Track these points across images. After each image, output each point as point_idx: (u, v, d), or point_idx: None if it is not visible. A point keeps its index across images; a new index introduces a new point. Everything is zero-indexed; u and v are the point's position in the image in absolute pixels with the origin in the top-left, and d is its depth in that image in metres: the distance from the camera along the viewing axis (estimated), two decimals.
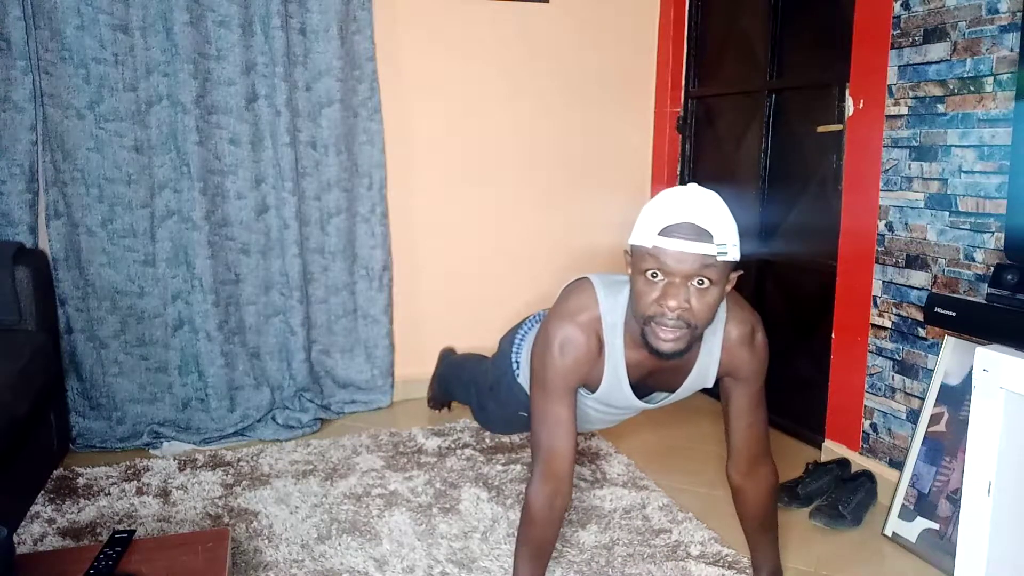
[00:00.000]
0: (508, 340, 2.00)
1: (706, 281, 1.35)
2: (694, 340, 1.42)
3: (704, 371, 1.58)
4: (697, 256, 1.33)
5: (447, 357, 2.71)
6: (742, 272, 1.46)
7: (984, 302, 1.69)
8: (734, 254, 1.36)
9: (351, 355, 2.99)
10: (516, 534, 1.64)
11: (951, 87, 2.03)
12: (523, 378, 1.90)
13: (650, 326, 1.39)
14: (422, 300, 3.11)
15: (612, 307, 1.52)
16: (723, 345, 1.55)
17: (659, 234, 1.33)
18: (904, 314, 2.21)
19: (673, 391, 1.64)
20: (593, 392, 1.62)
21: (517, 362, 1.93)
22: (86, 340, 2.60)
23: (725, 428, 1.66)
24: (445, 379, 2.64)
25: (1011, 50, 1.86)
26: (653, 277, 1.36)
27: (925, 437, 2.06)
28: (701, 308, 1.36)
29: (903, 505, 2.07)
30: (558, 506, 1.56)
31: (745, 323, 1.57)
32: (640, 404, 1.64)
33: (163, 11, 2.53)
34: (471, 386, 2.30)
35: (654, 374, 1.58)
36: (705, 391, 1.68)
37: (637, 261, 1.39)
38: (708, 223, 1.33)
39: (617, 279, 1.56)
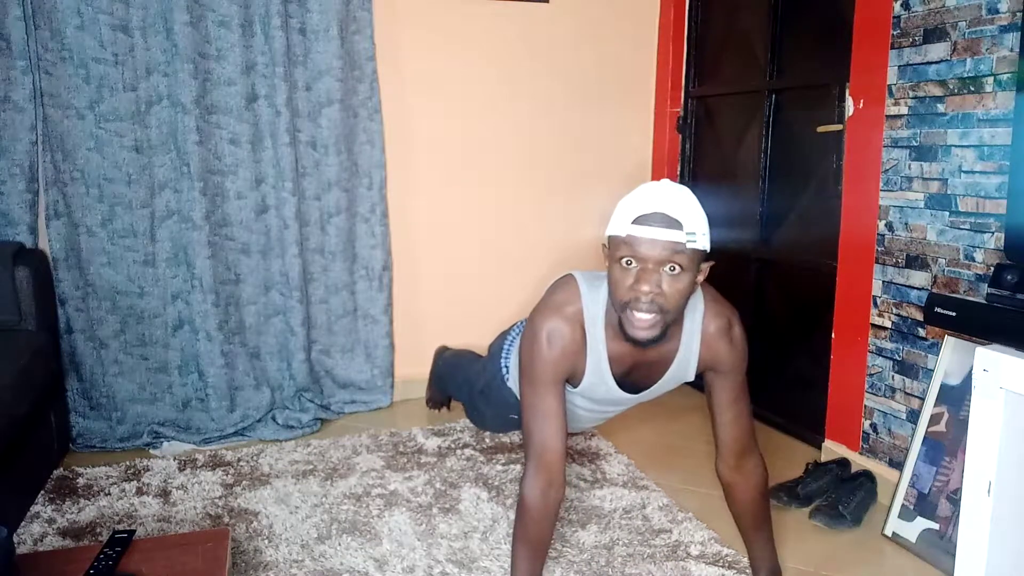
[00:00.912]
0: (497, 346, 2.05)
1: (677, 267, 1.42)
2: (667, 326, 1.47)
3: (684, 364, 1.62)
4: (668, 243, 1.40)
5: (442, 355, 2.72)
6: (714, 263, 1.52)
7: (984, 302, 1.69)
8: (703, 243, 1.44)
9: (351, 355, 2.99)
10: (512, 533, 1.64)
11: (951, 87, 2.03)
12: (512, 382, 1.93)
13: (626, 313, 1.45)
14: (422, 300, 3.11)
15: (594, 299, 1.57)
16: (701, 338, 1.60)
17: (632, 223, 1.41)
18: (904, 314, 2.21)
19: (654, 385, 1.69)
20: (577, 387, 1.65)
21: (506, 367, 1.97)
22: (86, 340, 2.60)
23: (712, 424, 1.69)
24: (441, 377, 2.66)
25: (1011, 50, 1.86)
26: (628, 264, 1.43)
27: (925, 437, 2.06)
28: (672, 293, 1.43)
29: (903, 505, 2.07)
30: (552, 498, 1.57)
31: (721, 316, 1.62)
32: (623, 395, 1.68)
33: (163, 11, 2.53)
34: (464, 386, 2.33)
35: (636, 368, 1.62)
36: (702, 388, 1.70)
37: (613, 251, 1.46)
38: (678, 213, 1.41)
39: (599, 275, 1.61)
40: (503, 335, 2.05)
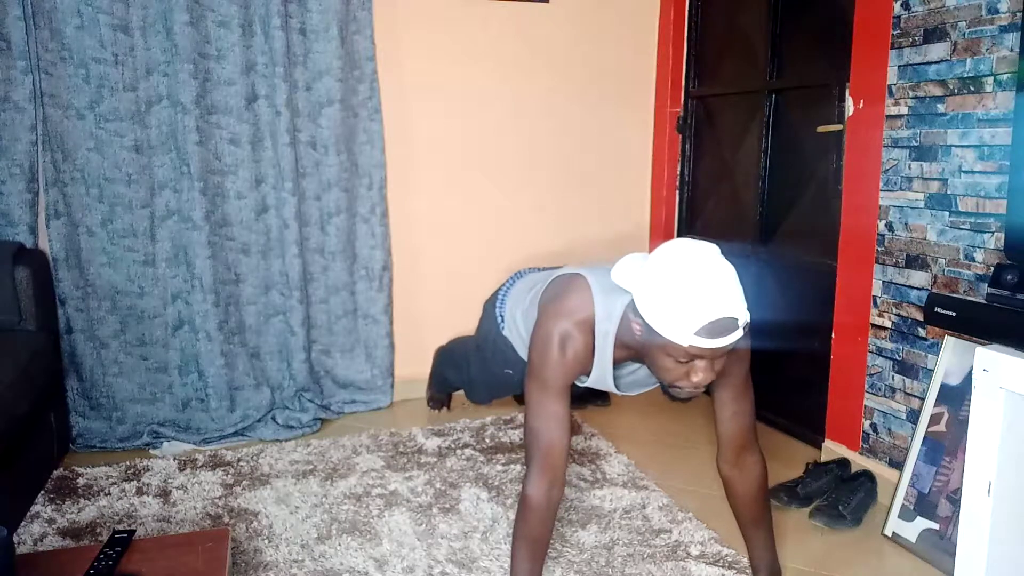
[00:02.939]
0: (491, 301, 2.09)
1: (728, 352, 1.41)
2: None
3: None
4: (729, 345, 1.37)
5: (440, 350, 2.75)
6: None
7: (984, 302, 1.69)
8: None
9: (351, 355, 2.99)
10: (512, 533, 1.64)
11: (951, 87, 2.03)
12: (508, 331, 1.97)
13: (673, 388, 1.46)
14: (422, 300, 3.11)
15: (607, 315, 1.56)
16: None
17: (695, 334, 1.34)
18: (904, 314, 2.21)
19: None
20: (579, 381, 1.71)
21: (501, 316, 2.00)
22: (86, 340, 2.60)
23: (714, 420, 1.70)
24: (441, 364, 2.71)
25: (1011, 50, 1.86)
26: (683, 361, 1.39)
27: (925, 437, 2.06)
28: (719, 368, 1.42)
29: (903, 505, 2.07)
30: (555, 497, 1.59)
31: None
32: (619, 392, 1.74)
33: (163, 11, 2.53)
34: (462, 360, 2.37)
35: (636, 360, 1.66)
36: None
37: (666, 347, 1.38)
38: (735, 310, 1.35)
39: (612, 283, 1.57)
40: (496, 291, 2.09)
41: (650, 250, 1.61)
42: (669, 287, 1.36)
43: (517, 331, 1.91)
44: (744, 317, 1.36)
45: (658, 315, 1.37)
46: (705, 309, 1.33)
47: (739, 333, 1.36)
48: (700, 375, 1.39)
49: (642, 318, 1.41)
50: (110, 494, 2.24)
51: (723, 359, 1.41)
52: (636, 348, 1.52)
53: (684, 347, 1.35)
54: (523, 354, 1.91)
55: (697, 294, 1.34)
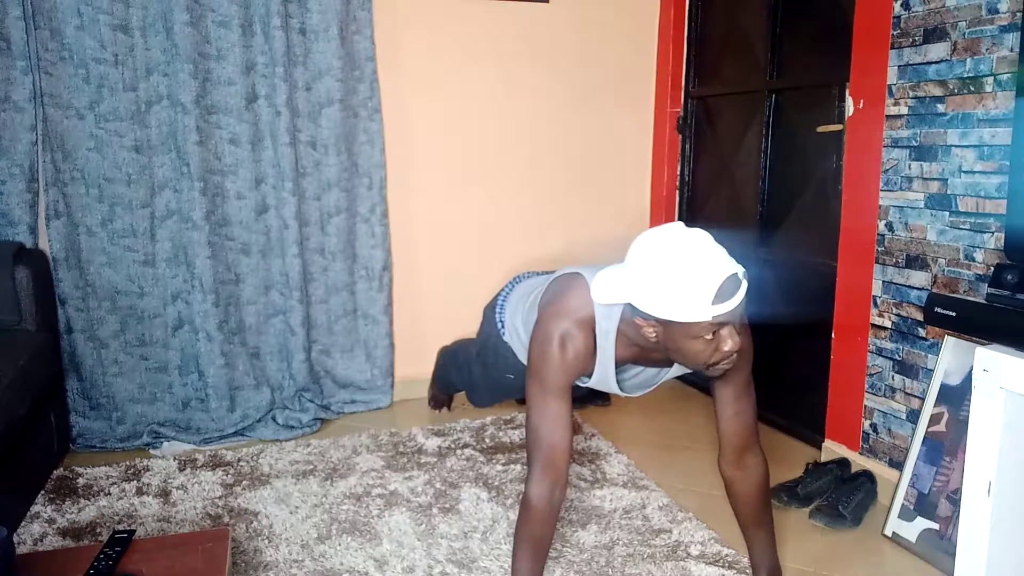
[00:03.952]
0: (491, 306, 2.07)
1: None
2: None
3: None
4: (742, 300, 1.38)
5: (443, 350, 2.75)
6: None
7: (984, 302, 1.70)
8: None
9: (351, 355, 2.99)
10: (514, 533, 1.64)
11: (951, 87, 2.03)
12: (508, 336, 1.96)
13: (708, 368, 1.46)
14: (422, 300, 3.11)
15: (607, 314, 1.56)
16: None
17: (713, 304, 1.35)
18: (904, 314, 2.21)
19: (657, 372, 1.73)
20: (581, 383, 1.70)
21: (501, 321, 1.98)
22: (86, 340, 2.60)
23: (715, 420, 1.70)
24: (444, 366, 2.69)
25: (1011, 50, 1.86)
26: (710, 337, 1.39)
27: (925, 437, 2.06)
28: (742, 330, 1.44)
29: (903, 505, 2.07)
30: (557, 498, 1.59)
31: None
32: (623, 393, 1.73)
33: (163, 11, 2.53)
34: (464, 365, 2.37)
35: (639, 360, 1.65)
36: (702, 388, 1.71)
37: (689, 329, 1.39)
38: (730, 266, 1.37)
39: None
40: (496, 296, 2.08)
41: None
42: (666, 277, 1.37)
43: (517, 336, 1.91)
44: (740, 269, 1.38)
45: (670, 306, 1.37)
46: (709, 278, 1.35)
47: (745, 284, 1.38)
48: (730, 341, 1.39)
49: (654, 318, 1.41)
50: (110, 494, 2.24)
51: (742, 322, 1.42)
52: (649, 347, 1.52)
53: (708, 321, 1.36)
54: (524, 359, 1.90)
55: (694, 269, 1.35)
